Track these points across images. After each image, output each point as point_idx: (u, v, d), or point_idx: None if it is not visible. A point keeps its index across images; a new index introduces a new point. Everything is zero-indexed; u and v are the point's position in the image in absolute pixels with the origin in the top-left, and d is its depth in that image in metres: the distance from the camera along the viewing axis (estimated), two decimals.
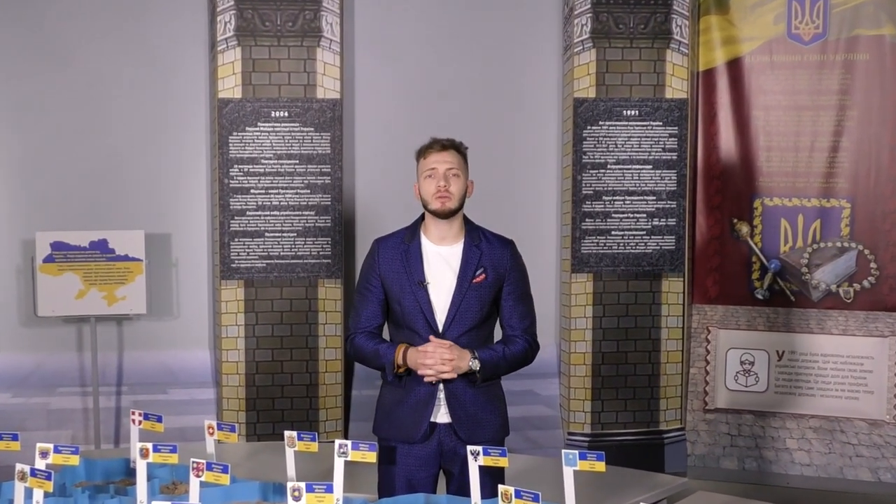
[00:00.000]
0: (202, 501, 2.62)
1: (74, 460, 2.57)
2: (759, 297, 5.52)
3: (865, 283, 5.38)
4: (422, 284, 3.08)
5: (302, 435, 2.85)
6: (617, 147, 5.37)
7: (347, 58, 5.31)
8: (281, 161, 5.16)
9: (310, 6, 5.12)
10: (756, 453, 5.46)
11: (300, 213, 5.18)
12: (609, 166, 5.37)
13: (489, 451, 2.65)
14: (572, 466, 2.56)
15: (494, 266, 3.12)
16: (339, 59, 5.19)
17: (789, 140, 5.45)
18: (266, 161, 5.15)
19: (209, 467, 2.56)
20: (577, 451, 2.56)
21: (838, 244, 5.42)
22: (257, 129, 5.13)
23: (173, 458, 2.70)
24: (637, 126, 5.36)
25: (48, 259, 4.99)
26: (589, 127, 5.35)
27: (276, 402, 5.16)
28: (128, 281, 5.05)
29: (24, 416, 5.14)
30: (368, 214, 5.40)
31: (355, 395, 5.38)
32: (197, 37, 5.29)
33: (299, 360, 5.17)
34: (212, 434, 3.02)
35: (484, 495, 2.67)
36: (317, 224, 5.19)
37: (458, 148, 3.13)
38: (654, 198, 5.40)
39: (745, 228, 5.54)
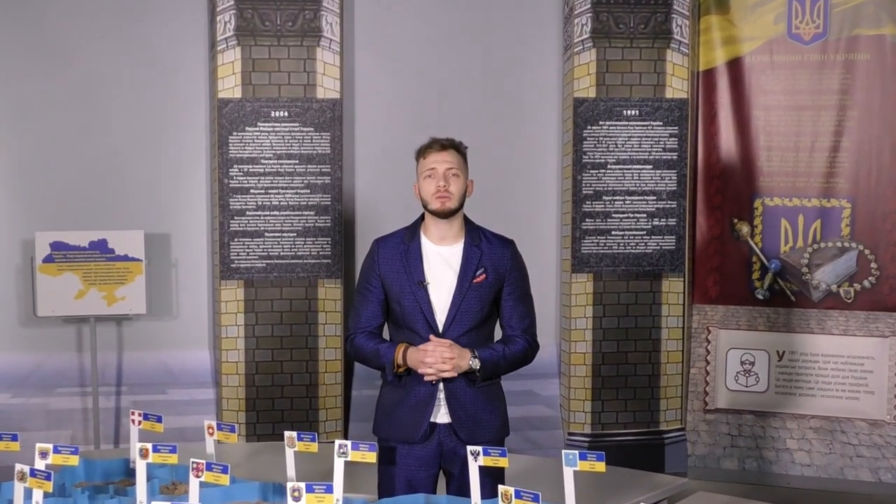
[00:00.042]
0: (202, 502, 2.61)
1: (74, 460, 2.56)
2: (760, 297, 5.51)
3: (866, 283, 5.37)
4: (422, 284, 3.07)
5: (302, 435, 2.85)
6: (617, 147, 5.36)
7: (347, 58, 5.30)
8: (281, 161, 5.16)
9: (310, 6, 5.11)
10: (756, 453, 5.46)
11: (300, 213, 5.18)
12: (609, 166, 5.37)
13: (489, 451, 2.65)
14: (572, 467, 2.55)
15: (495, 266, 3.12)
16: (339, 58, 5.18)
17: (790, 140, 5.45)
18: (266, 161, 5.15)
19: (209, 468, 2.56)
20: (577, 452, 2.56)
21: (839, 244, 5.41)
22: (257, 128, 5.13)
23: (173, 459, 2.70)
24: (637, 126, 5.36)
25: (48, 259, 4.99)
26: (589, 127, 5.34)
27: (276, 402, 5.16)
28: (127, 281, 5.05)
29: (24, 417, 5.13)
30: (368, 214, 5.40)
31: (355, 396, 5.37)
32: (197, 37, 5.29)
33: (299, 361, 5.17)
34: (211, 434, 3.02)
35: (484, 496, 2.66)
36: (317, 224, 5.18)
37: (457, 147, 3.12)
38: (655, 198, 5.39)
39: (745, 228, 5.53)
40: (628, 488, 3.52)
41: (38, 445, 2.56)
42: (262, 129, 5.13)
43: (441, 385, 3.05)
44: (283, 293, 5.17)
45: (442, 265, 3.10)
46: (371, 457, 2.69)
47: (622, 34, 5.32)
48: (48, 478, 2.39)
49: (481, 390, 3.09)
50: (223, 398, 5.15)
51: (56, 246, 5.00)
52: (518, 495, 2.39)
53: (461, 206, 3.11)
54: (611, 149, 5.36)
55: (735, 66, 5.48)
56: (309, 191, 5.17)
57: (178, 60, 5.30)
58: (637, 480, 3.65)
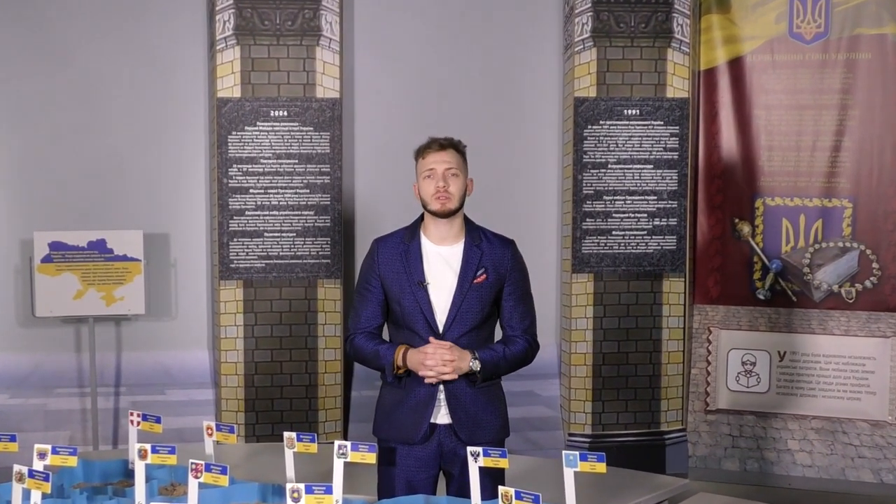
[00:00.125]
0: (201, 503, 2.60)
1: (72, 461, 2.55)
2: (761, 297, 5.50)
3: (867, 283, 5.36)
4: (422, 285, 3.06)
5: (301, 436, 2.84)
6: (618, 146, 5.35)
7: (347, 57, 5.29)
8: (280, 161, 5.15)
9: (309, 5, 5.10)
10: (757, 454, 5.45)
11: (299, 212, 5.17)
12: (610, 166, 5.36)
13: (489, 452, 2.64)
14: (573, 468, 2.54)
15: (495, 266, 3.11)
16: (339, 58, 5.17)
17: (791, 139, 5.44)
18: (265, 161, 5.14)
19: (208, 468, 2.55)
20: (577, 453, 2.55)
21: (840, 244, 5.40)
22: (256, 128, 5.12)
23: (172, 460, 2.69)
24: (638, 125, 5.35)
25: (46, 259, 4.98)
26: (590, 126, 5.33)
27: (276, 402, 5.15)
28: (126, 281, 5.04)
29: (22, 417, 5.12)
30: (368, 214, 5.39)
31: (355, 396, 5.36)
32: (196, 36, 5.28)
33: (298, 361, 5.16)
34: (210, 435, 3.01)
35: (484, 497, 2.65)
36: (316, 224, 5.17)
37: (456, 147, 3.11)
38: (655, 197, 5.38)
39: (746, 228, 5.52)
40: (629, 489, 3.52)
41: (37, 446, 2.55)
42: (261, 128, 5.12)
43: (441, 386, 3.05)
44: (282, 293, 5.16)
45: (442, 265, 3.09)
46: (371, 458, 2.68)
47: (623, 33, 5.31)
48: (46, 479, 2.38)
49: (481, 391, 3.08)
50: (222, 399, 5.14)
51: (55, 246, 4.99)
52: (518, 496, 2.38)
53: (461, 205, 3.10)
54: (611, 148, 5.35)
55: (736, 65, 5.47)
56: (308, 190, 5.16)
57: (177, 60, 5.29)
58: (638, 481, 3.65)
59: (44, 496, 2.41)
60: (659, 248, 5.39)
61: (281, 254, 5.15)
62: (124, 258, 5.04)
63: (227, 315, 5.11)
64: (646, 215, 5.38)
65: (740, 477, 5.37)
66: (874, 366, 5.33)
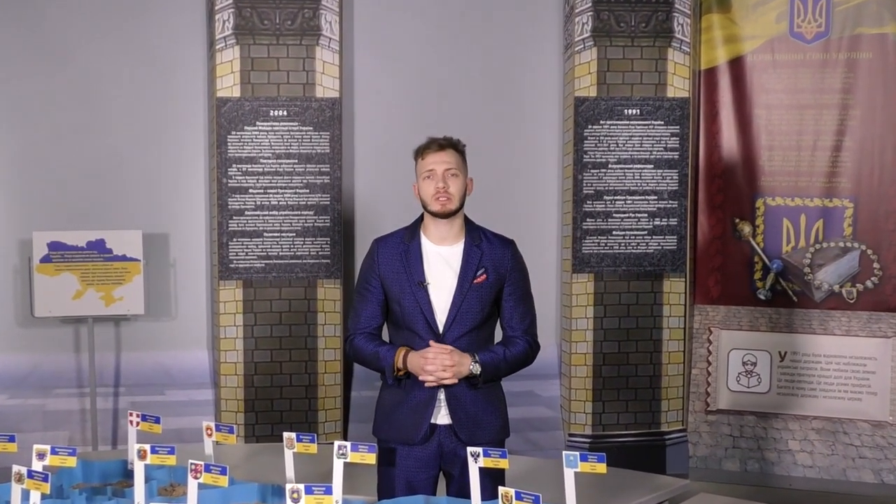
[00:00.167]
0: (200, 503, 2.59)
1: (71, 462, 2.55)
2: (762, 297, 5.50)
3: (868, 283, 5.35)
4: (422, 285, 3.06)
5: (301, 436, 2.83)
6: (618, 146, 5.35)
7: (346, 57, 5.29)
8: (280, 160, 5.14)
9: (309, 5, 5.10)
10: (758, 455, 5.44)
11: (299, 212, 5.16)
12: (610, 166, 5.35)
13: (489, 452, 2.63)
14: (573, 468, 2.54)
15: (495, 266, 3.10)
16: (339, 57, 5.17)
17: (791, 139, 5.44)
18: (265, 160, 5.13)
19: (207, 469, 2.54)
20: (577, 453, 2.54)
21: (841, 244, 5.40)
22: (256, 128, 5.11)
23: (171, 460, 2.68)
24: (638, 125, 5.34)
25: (45, 259, 4.97)
26: (590, 126, 5.33)
27: (275, 403, 5.14)
28: (125, 281, 5.03)
29: (21, 418, 5.12)
30: (368, 214, 5.38)
31: (354, 397, 5.35)
32: (195, 35, 5.28)
33: (298, 361, 5.15)
34: (210, 435, 3.00)
35: (484, 497, 2.65)
36: (316, 224, 5.16)
37: (455, 146, 3.10)
38: (656, 197, 5.38)
39: (747, 228, 5.51)
40: (629, 490, 3.51)
41: (36, 447, 2.54)
42: (260, 128, 5.11)
43: (441, 386, 3.03)
44: (282, 293, 5.15)
45: (442, 265, 3.08)
46: (370, 458, 2.67)
47: (623, 33, 5.30)
48: (45, 479, 2.38)
49: (482, 391, 3.08)
50: (222, 399, 5.13)
51: (54, 246, 4.98)
52: (518, 497, 2.38)
53: (461, 205, 3.09)
54: (612, 148, 5.35)
55: (736, 64, 5.46)
56: (308, 190, 5.16)
57: (177, 59, 5.29)
58: (638, 482, 3.64)
59: (43, 497, 2.40)
60: (659, 248, 5.39)
61: (280, 254, 5.14)
62: (123, 258, 5.03)
63: (226, 315, 5.10)
64: (646, 215, 5.38)
65: (741, 477, 5.36)
66: (875, 366, 5.32)
